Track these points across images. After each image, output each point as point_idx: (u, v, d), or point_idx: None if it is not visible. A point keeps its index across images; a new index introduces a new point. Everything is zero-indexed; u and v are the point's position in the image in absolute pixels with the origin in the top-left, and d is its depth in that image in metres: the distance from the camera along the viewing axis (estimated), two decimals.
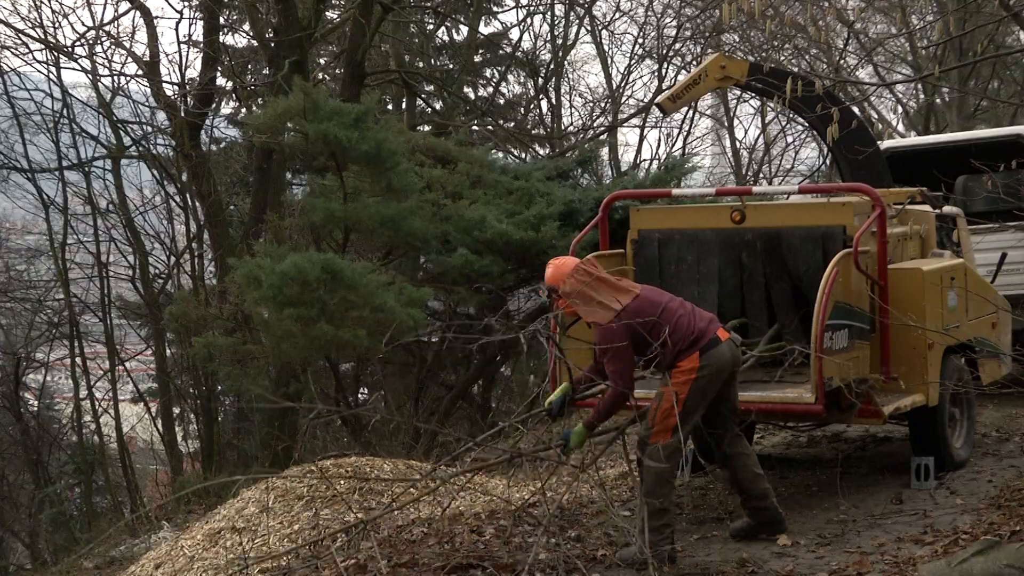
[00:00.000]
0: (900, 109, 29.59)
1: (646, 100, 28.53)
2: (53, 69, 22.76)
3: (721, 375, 6.80)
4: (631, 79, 36.01)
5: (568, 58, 29.61)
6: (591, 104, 32.07)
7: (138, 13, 22.03)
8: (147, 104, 23.06)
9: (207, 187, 19.96)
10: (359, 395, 18.56)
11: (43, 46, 22.39)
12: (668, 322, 6.72)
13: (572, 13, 28.17)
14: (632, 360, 6.78)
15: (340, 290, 12.97)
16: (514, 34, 28.50)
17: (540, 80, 28.10)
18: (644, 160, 28.83)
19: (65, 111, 23.10)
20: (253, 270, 13.43)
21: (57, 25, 39.85)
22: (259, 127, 16.29)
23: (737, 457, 7.07)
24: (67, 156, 23.55)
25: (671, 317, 6.76)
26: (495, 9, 26.41)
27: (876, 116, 27.72)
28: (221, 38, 22.48)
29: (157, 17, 23.48)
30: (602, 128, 28.31)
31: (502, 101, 27.43)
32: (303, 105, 14.17)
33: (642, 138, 30.18)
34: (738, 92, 25.04)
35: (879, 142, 11.61)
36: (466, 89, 26.74)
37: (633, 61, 30.27)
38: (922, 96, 26.89)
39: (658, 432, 6.67)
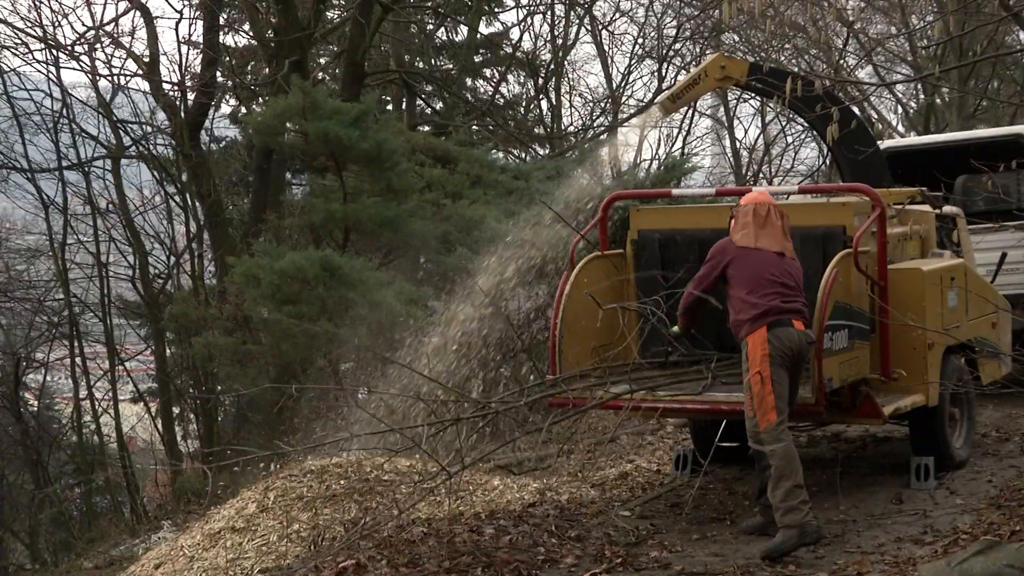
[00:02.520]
0: (900, 109, 29.62)
1: (646, 100, 28.54)
2: (53, 69, 22.78)
3: (788, 355, 6.88)
4: (631, 79, 36.05)
5: (568, 58, 29.67)
6: (591, 104, 32.12)
7: (138, 13, 22.05)
8: (147, 103, 23.08)
9: (207, 187, 19.96)
10: (359, 395, 18.53)
11: (43, 46, 22.39)
12: (748, 283, 7.00)
13: (572, 13, 28.19)
14: (710, 278, 7.26)
15: (339, 288, 12.98)
16: (514, 34, 28.49)
17: (540, 80, 28.10)
18: (644, 160, 28.85)
19: (65, 111, 23.10)
20: (252, 269, 13.44)
21: (57, 25, 39.79)
22: (259, 127, 16.30)
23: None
24: (67, 156, 23.56)
25: (755, 280, 7.00)
26: (495, 9, 26.40)
27: (876, 116, 27.74)
28: (221, 38, 22.49)
29: (157, 17, 23.49)
30: (602, 128, 28.32)
31: (502, 101, 27.43)
32: (303, 104, 14.18)
33: (642, 138, 30.13)
34: (738, 92, 25.05)
35: (879, 142, 11.61)
36: (467, 88, 26.75)
37: (633, 61, 30.33)
38: (922, 96, 26.90)
39: (762, 418, 6.74)
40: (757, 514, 7.27)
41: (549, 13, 28.17)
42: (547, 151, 26.37)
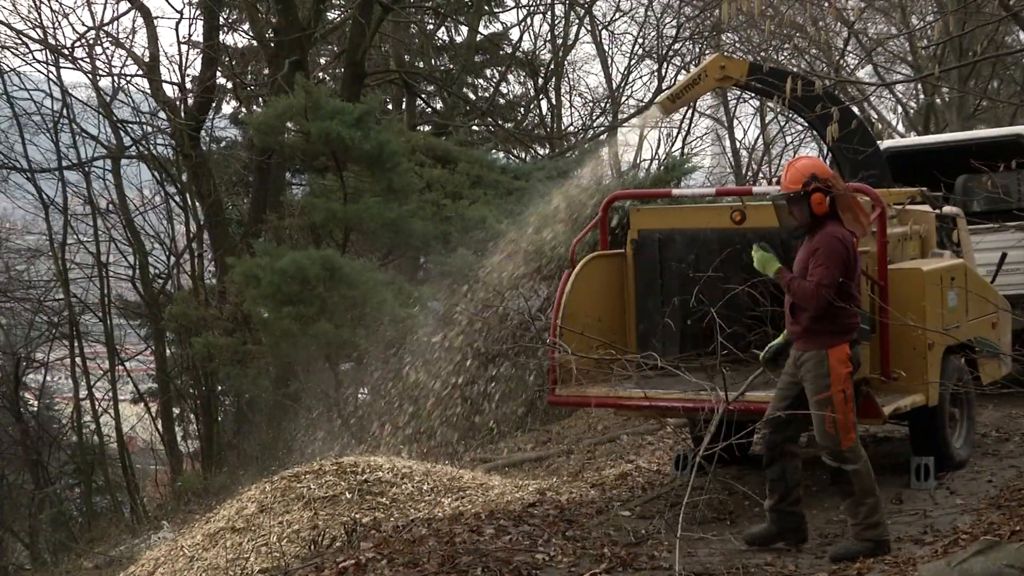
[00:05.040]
0: (900, 109, 29.63)
1: (646, 100, 28.56)
2: (53, 69, 22.81)
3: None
4: (631, 79, 36.08)
5: (568, 58, 29.69)
6: (591, 104, 32.14)
7: (138, 13, 22.08)
8: (147, 103, 23.08)
9: (207, 187, 19.97)
10: (359, 395, 18.55)
11: (43, 46, 22.42)
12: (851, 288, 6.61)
13: (572, 13, 28.21)
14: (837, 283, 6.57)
15: (339, 287, 12.98)
16: (514, 34, 28.55)
17: (540, 80, 28.11)
18: (644, 160, 28.86)
19: (65, 111, 23.12)
20: (252, 269, 13.44)
21: (57, 25, 39.99)
22: (259, 126, 16.31)
23: (794, 457, 6.91)
24: (67, 156, 23.59)
25: (855, 287, 6.66)
26: (495, 9, 26.42)
27: (876, 116, 27.74)
28: (221, 38, 22.50)
29: (157, 17, 23.59)
30: (602, 128, 28.33)
31: (502, 101, 27.44)
32: (304, 104, 14.19)
33: (642, 138, 30.16)
34: (738, 92, 25.05)
35: (879, 142, 11.61)
36: (468, 87, 26.75)
37: (633, 61, 30.36)
38: (922, 96, 26.90)
39: (845, 437, 6.58)
40: (765, 521, 7.06)
41: (549, 13, 28.23)
42: (547, 151, 26.39)
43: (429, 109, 25.63)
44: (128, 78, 22.72)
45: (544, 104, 29.03)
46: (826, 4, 20.65)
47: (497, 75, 27.54)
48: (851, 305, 6.57)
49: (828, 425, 6.57)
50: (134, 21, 28.56)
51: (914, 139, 19.61)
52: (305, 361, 14.79)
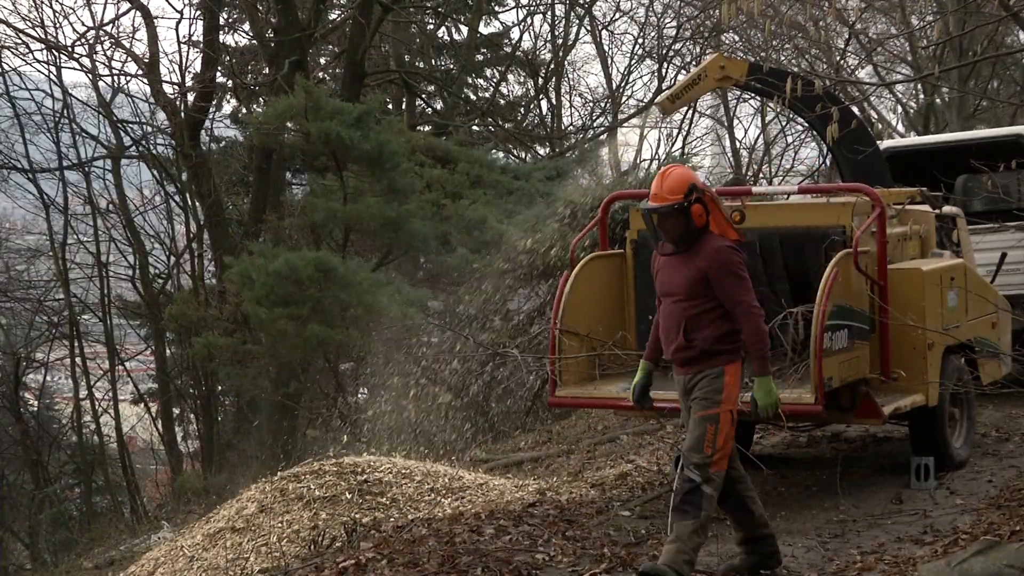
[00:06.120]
0: (900, 109, 29.62)
1: (646, 100, 28.57)
2: (53, 69, 22.84)
3: None
4: (631, 79, 36.06)
5: (568, 58, 29.68)
6: (591, 104, 32.13)
7: (138, 13, 22.09)
8: (148, 103, 23.09)
9: (207, 187, 19.98)
10: (359, 395, 18.56)
11: (43, 46, 22.44)
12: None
13: (572, 13, 28.20)
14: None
15: (333, 289, 12.99)
16: (514, 34, 28.53)
17: (540, 80, 28.12)
18: (644, 160, 28.86)
19: (65, 111, 23.14)
20: (246, 269, 13.45)
21: (57, 25, 39.86)
22: (260, 126, 16.32)
23: (742, 479, 6.39)
24: (67, 156, 23.61)
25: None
26: (495, 9, 26.43)
27: (876, 116, 27.74)
28: (221, 38, 22.51)
29: (157, 17, 23.60)
30: (602, 128, 28.34)
31: (502, 101, 27.45)
32: (304, 104, 14.20)
33: (642, 138, 30.17)
34: (738, 92, 25.05)
35: (879, 142, 11.60)
36: (468, 87, 26.76)
37: (633, 61, 30.34)
38: (922, 96, 26.90)
39: (720, 460, 6.07)
40: (739, 555, 6.48)
41: (549, 13, 28.23)
42: (547, 151, 26.39)
43: (429, 109, 25.64)
44: (128, 78, 22.76)
45: (544, 104, 29.06)
46: (826, 4, 20.65)
47: (497, 75, 27.55)
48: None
49: (707, 444, 6.02)
50: (134, 21, 28.56)
51: (914, 139, 19.61)
52: (302, 362, 14.79)
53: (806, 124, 15.50)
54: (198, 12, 22.48)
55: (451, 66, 26.44)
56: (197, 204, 21.52)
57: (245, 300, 13.87)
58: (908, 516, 7.45)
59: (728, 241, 6.22)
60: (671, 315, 6.23)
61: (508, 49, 27.33)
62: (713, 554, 6.88)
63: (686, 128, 30.87)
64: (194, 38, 22.90)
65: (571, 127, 30.40)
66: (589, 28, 29.20)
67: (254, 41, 23.03)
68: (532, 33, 30.92)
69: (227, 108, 25.40)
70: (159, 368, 22.65)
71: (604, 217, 8.83)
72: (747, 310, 6.07)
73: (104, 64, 23.14)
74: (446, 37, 26.56)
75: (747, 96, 26.75)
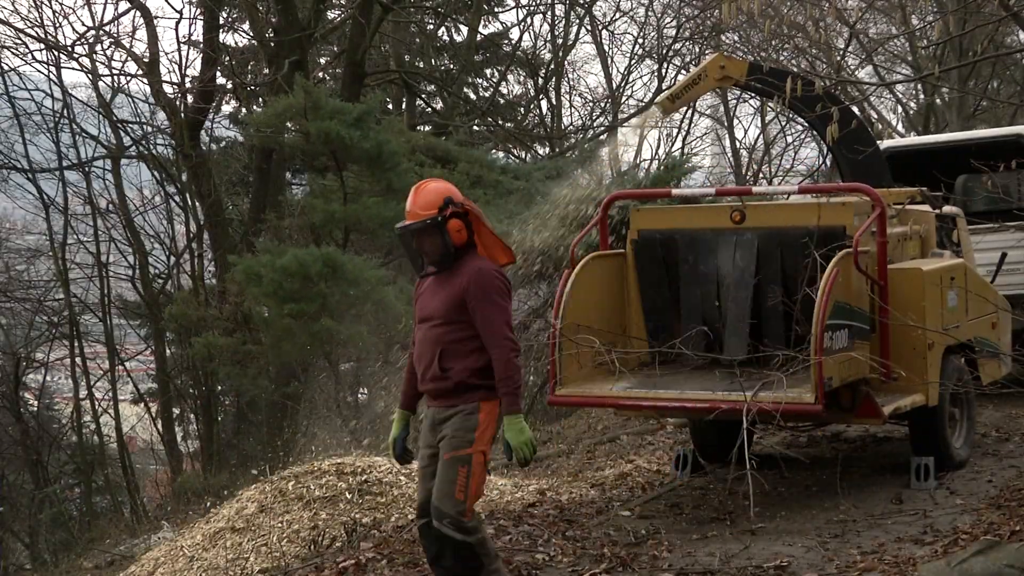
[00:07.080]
0: (900, 109, 29.63)
1: (646, 100, 28.57)
2: (53, 69, 22.84)
3: None
4: (631, 79, 36.08)
5: (568, 58, 29.68)
6: (591, 104, 32.14)
7: (138, 13, 22.10)
8: (148, 103, 23.10)
9: (207, 187, 19.99)
10: (359, 395, 18.57)
11: (43, 46, 22.44)
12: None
13: (572, 13, 28.21)
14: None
15: (341, 285, 12.99)
16: (514, 34, 28.54)
17: (540, 80, 28.12)
18: (644, 160, 28.88)
19: (65, 111, 23.15)
20: (253, 266, 13.45)
21: (57, 25, 39.92)
22: (260, 126, 16.32)
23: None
24: (67, 156, 23.62)
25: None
26: (495, 9, 26.44)
27: (876, 116, 27.74)
28: (221, 38, 22.52)
29: (157, 17, 23.62)
30: (602, 128, 28.34)
31: (502, 101, 27.45)
32: (304, 104, 14.20)
33: (642, 138, 30.17)
34: (738, 92, 25.06)
35: (879, 142, 11.60)
36: (468, 86, 26.76)
37: (633, 61, 30.35)
38: (922, 96, 26.90)
39: (472, 504, 5.53)
40: None
41: (549, 13, 28.23)
42: (547, 151, 26.39)
43: (429, 109, 25.64)
44: (128, 78, 22.78)
45: (544, 104, 29.07)
46: (826, 5, 20.65)
47: (497, 75, 27.56)
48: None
49: (459, 490, 5.43)
50: (134, 21, 28.55)
51: (914, 139, 19.61)
52: (305, 360, 14.79)
53: (806, 124, 15.50)
54: (198, 12, 22.52)
55: (451, 66, 26.44)
56: (197, 204, 21.53)
57: (250, 298, 13.87)
58: (908, 516, 7.45)
59: (494, 264, 5.65)
60: (426, 341, 5.61)
61: (508, 49, 27.34)
62: (713, 554, 6.89)
63: (686, 128, 30.92)
64: (194, 38, 22.94)
65: (571, 127, 30.42)
66: (589, 28, 29.24)
67: (254, 41, 23.03)
68: (532, 33, 31.00)
69: (227, 108, 25.44)
70: (159, 368, 22.66)
71: (604, 217, 8.82)
72: (500, 341, 5.46)
73: (104, 64, 23.20)
74: (446, 37, 26.58)
75: (747, 96, 26.77)
